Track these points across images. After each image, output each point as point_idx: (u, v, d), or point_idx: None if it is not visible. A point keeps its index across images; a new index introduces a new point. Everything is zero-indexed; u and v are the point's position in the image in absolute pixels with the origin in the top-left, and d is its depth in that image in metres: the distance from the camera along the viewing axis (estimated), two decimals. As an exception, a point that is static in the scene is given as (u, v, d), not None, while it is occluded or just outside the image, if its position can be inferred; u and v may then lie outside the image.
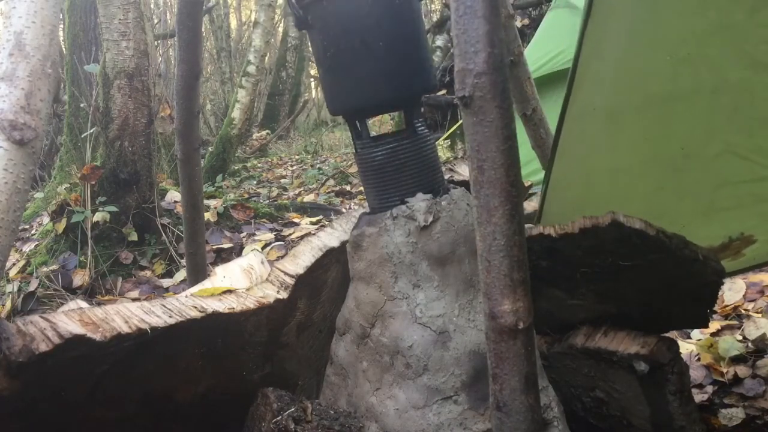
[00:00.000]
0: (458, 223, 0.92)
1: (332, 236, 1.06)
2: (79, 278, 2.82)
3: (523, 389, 0.67)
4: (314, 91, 15.37)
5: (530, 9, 6.42)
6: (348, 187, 5.02)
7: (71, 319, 0.75)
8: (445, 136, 5.46)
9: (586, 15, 1.10)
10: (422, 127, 0.95)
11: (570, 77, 1.18)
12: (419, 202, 0.91)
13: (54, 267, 2.87)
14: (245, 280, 1.05)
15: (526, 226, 0.81)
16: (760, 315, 1.83)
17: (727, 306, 1.91)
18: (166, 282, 2.89)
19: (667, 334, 1.09)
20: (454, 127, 5.41)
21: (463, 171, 1.36)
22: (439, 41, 7.25)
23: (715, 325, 1.80)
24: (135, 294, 2.79)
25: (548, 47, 3.70)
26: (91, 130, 3.08)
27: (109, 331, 0.76)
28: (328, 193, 4.96)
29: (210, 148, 6.21)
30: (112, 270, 2.93)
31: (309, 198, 4.82)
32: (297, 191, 5.37)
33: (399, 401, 0.90)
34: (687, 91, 1.14)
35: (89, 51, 4.03)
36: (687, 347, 1.66)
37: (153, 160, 3.10)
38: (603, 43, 1.13)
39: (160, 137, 4.05)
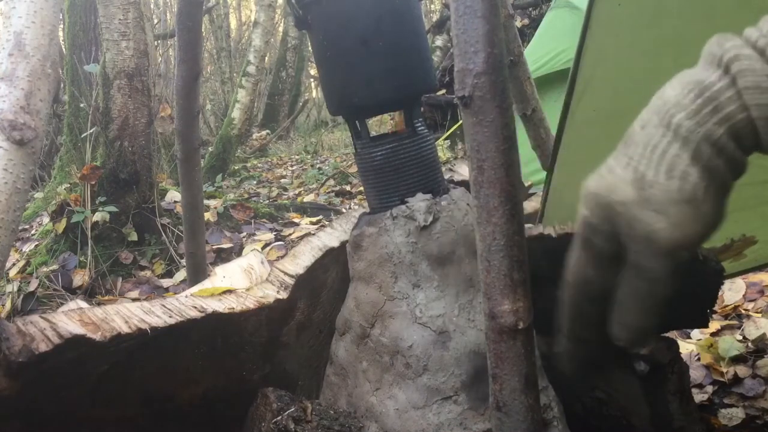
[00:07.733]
0: (458, 223, 0.92)
1: (332, 236, 1.06)
2: (79, 278, 2.82)
3: (523, 389, 0.67)
4: (314, 91, 15.36)
5: (530, 9, 6.42)
6: (348, 187, 5.02)
7: (71, 319, 0.75)
8: (445, 136, 5.46)
9: (586, 20, 1.10)
10: (422, 127, 0.95)
11: (570, 81, 1.17)
12: (419, 202, 0.91)
13: (54, 267, 2.87)
14: (245, 280, 1.05)
15: (526, 226, 0.81)
16: (760, 315, 1.83)
17: (727, 306, 1.91)
18: (166, 282, 2.89)
19: (667, 334, 1.09)
20: (454, 127, 5.41)
21: (463, 171, 1.36)
22: (439, 41, 7.26)
23: (715, 325, 1.80)
24: (135, 294, 2.79)
25: (548, 47, 3.70)
26: (91, 130, 3.08)
27: (109, 331, 0.76)
28: (328, 193, 4.96)
29: (210, 148, 6.22)
30: (112, 270, 2.93)
31: (309, 198, 4.82)
32: (297, 191, 5.37)
33: (399, 401, 0.89)
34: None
35: (89, 51, 4.03)
36: (687, 347, 1.66)
37: (153, 160, 3.10)
38: (605, 48, 1.12)
39: (160, 137, 4.05)
